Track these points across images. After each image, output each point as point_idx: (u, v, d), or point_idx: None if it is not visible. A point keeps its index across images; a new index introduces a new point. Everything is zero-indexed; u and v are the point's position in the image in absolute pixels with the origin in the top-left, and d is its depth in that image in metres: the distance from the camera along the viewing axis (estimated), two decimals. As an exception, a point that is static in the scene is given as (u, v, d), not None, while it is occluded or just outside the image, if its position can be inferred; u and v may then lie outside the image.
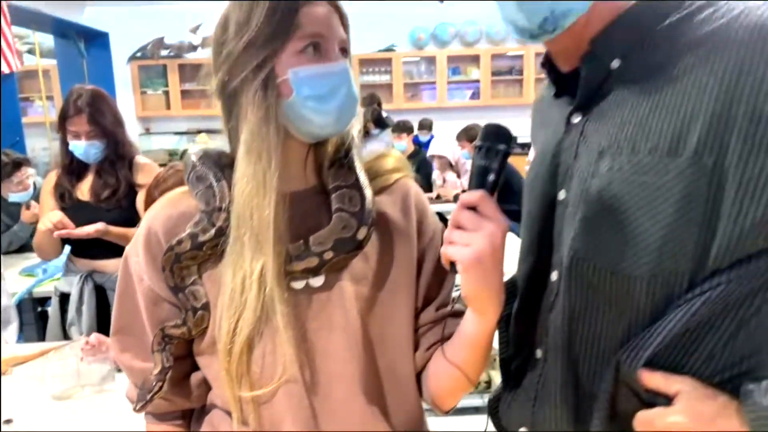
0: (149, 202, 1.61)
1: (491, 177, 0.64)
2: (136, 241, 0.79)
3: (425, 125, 5.45)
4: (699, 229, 0.57)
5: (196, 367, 0.82)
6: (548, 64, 0.75)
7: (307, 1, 0.72)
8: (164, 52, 6.32)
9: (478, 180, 0.65)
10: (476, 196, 0.63)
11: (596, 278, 0.64)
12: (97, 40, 5.82)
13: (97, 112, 1.97)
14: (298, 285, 0.75)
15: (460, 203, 0.64)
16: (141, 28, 6.12)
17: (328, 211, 0.77)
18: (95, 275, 2.10)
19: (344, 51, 0.76)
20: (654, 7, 0.64)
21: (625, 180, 0.61)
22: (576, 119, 0.69)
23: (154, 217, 0.79)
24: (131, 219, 2.04)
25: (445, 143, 4.55)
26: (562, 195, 0.70)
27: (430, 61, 6.43)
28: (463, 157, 4.40)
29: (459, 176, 4.48)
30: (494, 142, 0.65)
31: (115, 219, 2.01)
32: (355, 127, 0.80)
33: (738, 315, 0.59)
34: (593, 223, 0.64)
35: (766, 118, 0.54)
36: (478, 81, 6.38)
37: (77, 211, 2.00)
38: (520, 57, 6.38)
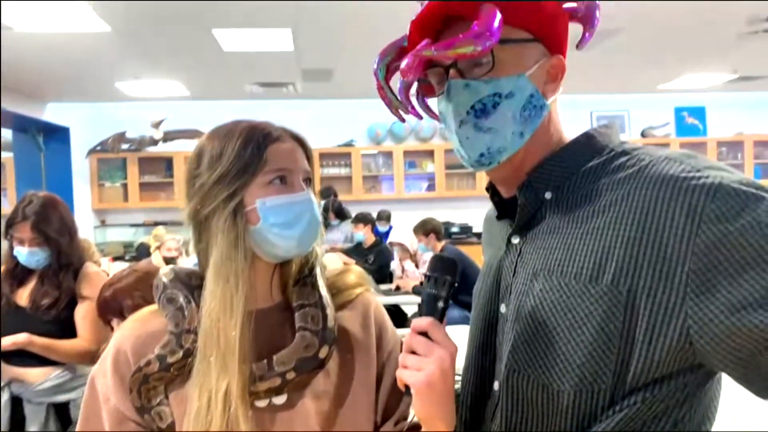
0: (101, 301, 1.59)
1: (440, 304, 0.70)
2: (104, 361, 0.81)
3: (383, 216, 5.59)
4: (617, 350, 0.63)
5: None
6: (492, 189, 0.84)
7: (275, 139, 0.80)
8: (125, 146, 6.33)
9: (429, 307, 0.70)
10: (427, 322, 0.68)
11: (529, 390, 0.69)
12: (57, 134, 5.87)
13: (42, 221, 1.90)
14: (262, 403, 0.78)
15: (413, 329, 0.69)
16: (103, 125, 6.17)
17: (292, 326, 0.81)
18: (13, 385, 1.94)
19: (308, 180, 0.83)
20: (580, 151, 0.74)
21: (555, 300, 0.68)
22: (515, 240, 0.77)
23: (122, 337, 0.81)
24: (67, 331, 1.94)
25: (404, 233, 4.67)
26: (503, 309, 0.76)
27: (388, 155, 6.70)
28: (420, 249, 4.51)
29: (417, 266, 4.57)
30: (442, 274, 0.71)
31: (51, 330, 1.91)
32: (320, 245, 0.86)
33: None
34: (527, 338, 0.69)
35: (669, 257, 0.61)
36: (433, 173, 6.66)
37: (11, 317, 1.90)
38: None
